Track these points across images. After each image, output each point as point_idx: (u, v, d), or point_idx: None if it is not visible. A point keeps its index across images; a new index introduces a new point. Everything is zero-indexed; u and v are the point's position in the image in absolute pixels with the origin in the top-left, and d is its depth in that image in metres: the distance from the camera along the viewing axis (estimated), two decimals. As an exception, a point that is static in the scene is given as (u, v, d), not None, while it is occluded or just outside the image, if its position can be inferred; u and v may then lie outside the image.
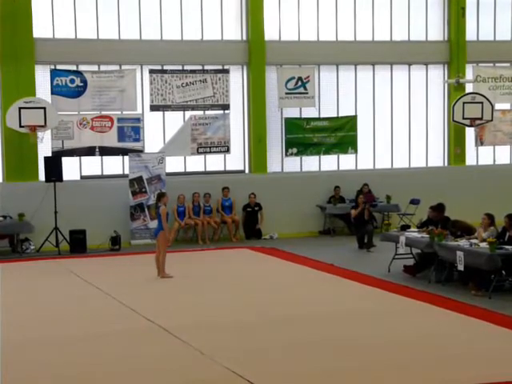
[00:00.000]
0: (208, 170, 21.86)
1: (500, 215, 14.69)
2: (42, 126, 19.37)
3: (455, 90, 23.13)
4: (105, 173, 21.08)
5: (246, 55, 21.71)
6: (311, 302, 13.31)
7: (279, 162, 22.36)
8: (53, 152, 20.24)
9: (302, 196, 21.87)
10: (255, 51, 21.66)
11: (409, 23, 23.08)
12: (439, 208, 16.20)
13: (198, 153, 21.52)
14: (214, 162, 21.85)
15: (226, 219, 21.12)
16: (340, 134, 22.47)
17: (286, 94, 21.92)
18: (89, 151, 20.64)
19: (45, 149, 20.12)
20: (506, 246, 13.54)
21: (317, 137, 22.32)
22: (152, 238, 20.50)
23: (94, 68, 20.76)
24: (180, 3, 21.22)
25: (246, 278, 15.73)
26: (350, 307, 12.96)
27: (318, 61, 22.27)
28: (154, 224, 20.53)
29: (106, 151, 20.80)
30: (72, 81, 20.34)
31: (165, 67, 21.20)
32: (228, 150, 21.69)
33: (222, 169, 21.99)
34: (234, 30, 21.79)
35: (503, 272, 13.59)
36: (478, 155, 23.93)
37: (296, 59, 22.07)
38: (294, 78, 21.98)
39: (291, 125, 22.18)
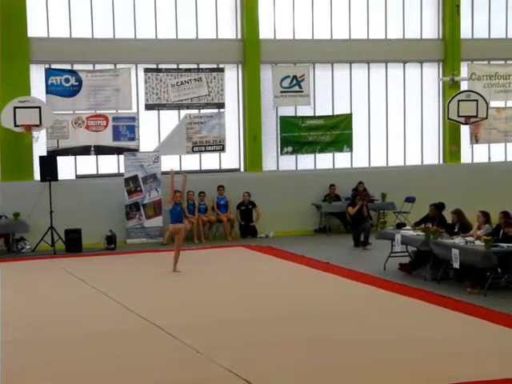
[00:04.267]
0: (203, 168, 21.86)
1: (495, 213, 14.74)
2: (37, 126, 19.33)
3: (450, 87, 23.15)
4: (100, 172, 21.07)
5: (241, 54, 21.70)
6: (307, 301, 13.31)
7: (274, 160, 22.36)
8: (48, 151, 20.22)
9: (297, 194, 21.88)
10: (250, 50, 21.66)
11: (403, 21, 23.09)
12: (439, 206, 16.24)
13: (194, 151, 21.51)
14: (210, 161, 21.85)
15: (221, 218, 21.12)
16: (335, 133, 22.48)
17: (281, 92, 21.92)
18: (84, 150, 20.63)
19: (40, 148, 20.10)
20: (502, 244, 13.57)
21: (312, 135, 22.33)
22: (148, 237, 20.60)
23: (89, 67, 20.73)
24: (175, 2, 21.20)
25: (242, 277, 15.73)
26: (345, 305, 12.97)
27: (312, 59, 22.28)
28: (149, 223, 20.63)
29: (101, 150, 20.78)
30: (67, 80, 20.32)
31: (160, 66, 21.19)
32: (223, 149, 21.68)
33: (217, 167, 22.00)
34: (228, 29, 21.78)
35: (499, 269, 13.61)
36: (473, 153, 23.95)
37: (291, 57, 22.07)
38: (289, 76, 21.97)
39: (286, 123, 22.19)
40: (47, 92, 20.18)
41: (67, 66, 20.52)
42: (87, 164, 20.89)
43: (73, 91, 20.38)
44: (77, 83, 20.39)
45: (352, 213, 19.59)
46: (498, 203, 18.51)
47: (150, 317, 12.07)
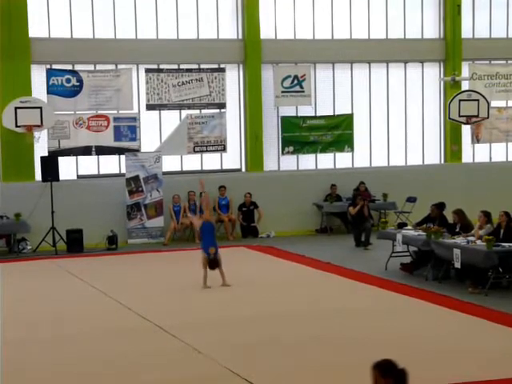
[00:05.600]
0: (204, 168, 21.85)
1: (496, 213, 14.70)
2: (38, 126, 19.35)
3: (451, 87, 23.13)
4: (101, 172, 21.07)
5: (242, 54, 21.70)
6: (308, 300, 13.32)
7: (276, 160, 22.36)
8: (49, 152, 20.22)
9: (298, 194, 21.87)
10: (251, 50, 21.65)
11: (404, 21, 23.08)
12: (438, 206, 16.25)
13: (195, 152, 21.51)
14: (211, 161, 21.85)
15: (222, 218, 21.10)
16: (336, 133, 22.47)
17: (282, 92, 21.91)
18: (85, 151, 20.63)
19: (41, 148, 20.09)
20: (503, 244, 13.56)
21: (313, 135, 22.32)
22: (149, 238, 20.59)
23: (90, 67, 20.74)
24: (176, 2, 21.20)
25: (243, 277, 15.70)
26: (347, 305, 12.97)
27: (313, 59, 22.27)
28: (150, 223, 20.60)
29: (102, 150, 20.78)
30: (68, 80, 20.32)
31: (161, 66, 21.19)
32: (224, 149, 21.68)
33: (218, 168, 21.99)
34: (229, 29, 21.78)
35: (500, 269, 13.60)
36: (475, 153, 23.94)
37: (292, 57, 22.06)
38: (290, 76, 21.97)
39: (287, 123, 22.18)
40: (48, 92, 20.18)
41: (68, 67, 20.52)
42: (88, 164, 20.89)
43: (74, 91, 20.39)
44: (78, 83, 20.39)
45: (353, 213, 19.59)
46: (499, 203, 18.48)
47: (150, 317, 12.08)
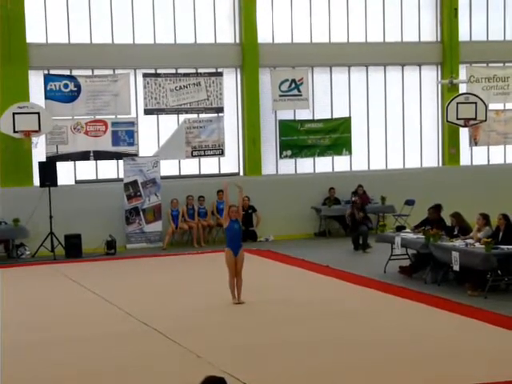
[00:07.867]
0: (203, 173, 21.86)
1: (495, 215, 14.72)
2: (36, 131, 19.33)
3: (449, 90, 23.13)
4: (99, 177, 21.06)
5: (240, 58, 21.71)
6: (307, 303, 13.31)
7: (274, 164, 22.36)
8: (47, 157, 20.21)
9: (297, 198, 21.87)
10: (248, 54, 21.67)
11: (401, 24, 23.10)
12: (436, 208, 16.26)
13: (193, 156, 21.51)
14: (209, 165, 21.85)
15: (221, 222, 21.06)
16: (334, 136, 22.48)
17: (280, 96, 21.93)
18: (83, 156, 20.62)
19: (39, 154, 20.09)
20: (502, 246, 13.56)
21: (311, 139, 22.33)
22: (148, 242, 20.57)
23: (88, 72, 20.74)
24: (173, 7, 21.22)
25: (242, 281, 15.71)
26: (345, 308, 12.97)
27: (311, 63, 22.29)
28: (148, 228, 20.58)
29: (100, 155, 20.78)
30: (66, 85, 20.32)
31: (158, 71, 21.19)
32: (222, 153, 21.68)
33: (216, 172, 21.98)
34: (227, 33, 21.79)
35: (499, 272, 13.61)
36: (473, 155, 23.96)
37: (289, 61, 22.08)
38: (287, 80, 21.99)
39: (285, 127, 22.19)
40: (46, 98, 20.17)
41: (66, 72, 20.52)
42: (86, 169, 20.88)
43: (72, 97, 20.39)
44: (75, 88, 20.39)
45: (347, 214, 19.78)
46: (498, 205, 18.50)
47: (149, 321, 12.07)
